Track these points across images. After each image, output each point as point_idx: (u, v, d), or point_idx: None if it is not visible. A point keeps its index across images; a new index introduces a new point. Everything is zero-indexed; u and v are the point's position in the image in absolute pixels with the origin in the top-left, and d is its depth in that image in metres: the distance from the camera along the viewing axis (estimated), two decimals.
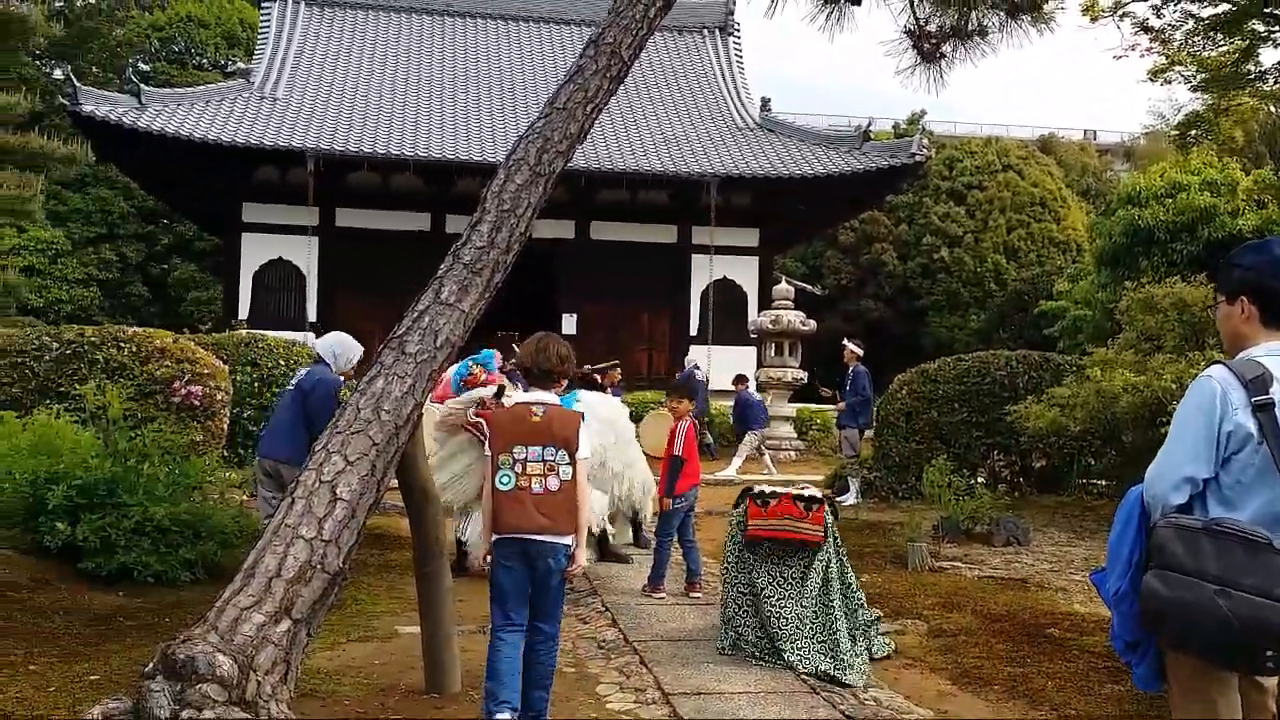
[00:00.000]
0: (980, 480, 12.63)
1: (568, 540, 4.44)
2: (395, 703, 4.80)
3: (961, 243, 36.00)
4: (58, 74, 37.41)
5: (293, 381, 7.01)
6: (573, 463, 4.47)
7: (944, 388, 13.32)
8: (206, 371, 11.23)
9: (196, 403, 11.04)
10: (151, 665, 3.60)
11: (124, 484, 6.91)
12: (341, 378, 7.07)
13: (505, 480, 4.40)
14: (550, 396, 4.62)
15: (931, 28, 5.16)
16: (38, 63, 38.53)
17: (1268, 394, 2.79)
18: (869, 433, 14.22)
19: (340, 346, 7.10)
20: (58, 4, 41.22)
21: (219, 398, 11.23)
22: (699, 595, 7.39)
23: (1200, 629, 2.72)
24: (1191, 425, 2.89)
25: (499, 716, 4.32)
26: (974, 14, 4.87)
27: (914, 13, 4.94)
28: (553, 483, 4.42)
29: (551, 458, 4.44)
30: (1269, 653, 2.65)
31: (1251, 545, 2.70)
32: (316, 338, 7.49)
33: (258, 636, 3.79)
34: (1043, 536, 10.56)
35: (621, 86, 22.50)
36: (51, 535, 6.67)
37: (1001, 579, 8.53)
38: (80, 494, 6.75)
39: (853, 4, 4.77)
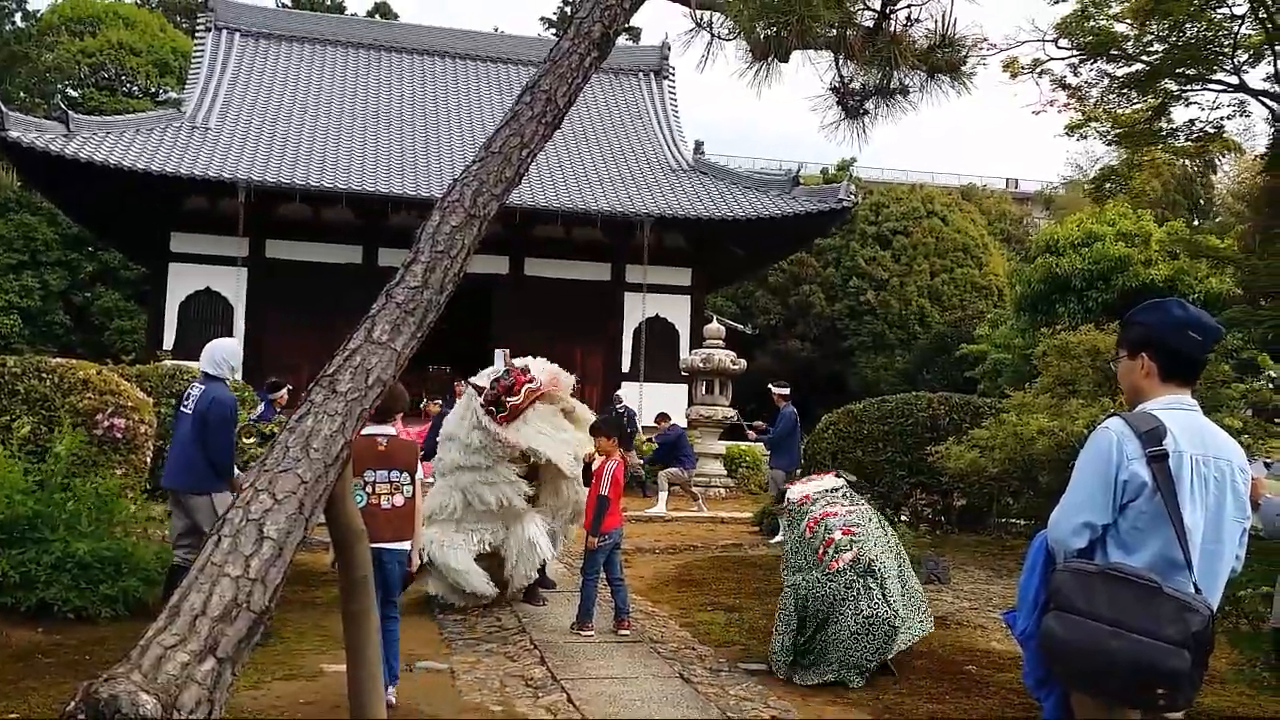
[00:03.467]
0: (904, 519, 12.87)
1: (406, 545, 5.62)
2: None
3: (887, 286, 36.74)
4: None
5: (186, 405, 6.63)
6: (413, 483, 5.63)
7: (869, 427, 13.60)
8: (130, 404, 11.02)
9: (119, 435, 10.83)
10: (74, 704, 3.56)
11: (46, 519, 6.79)
12: (235, 396, 6.87)
13: (360, 498, 5.36)
14: (387, 429, 5.69)
15: (856, 85, 5.35)
16: None
17: (1161, 446, 2.96)
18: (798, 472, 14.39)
19: (232, 356, 6.74)
20: None
21: (142, 430, 11.02)
22: (627, 633, 7.36)
23: (1094, 668, 2.87)
24: (1089, 474, 3.05)
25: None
26: (896, 74, 5.07)
27: (839, 71, 5.14)
28: (397, 500, 5.54)
29: (395, 478, 5.54)
30: (1160, 690, 2.81)
31: (1143, 589, 2.86)
32: (237, 368, 7.09)
33: (182, 675, 3.76)
34: (963, 574, 10.79)
35: (559, 125, 22.29)
36: None
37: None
38: (0, 529, 6.62)
39: (781, 61, 4.95)
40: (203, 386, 6.69)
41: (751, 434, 16.69)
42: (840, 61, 5.11)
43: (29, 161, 22.05)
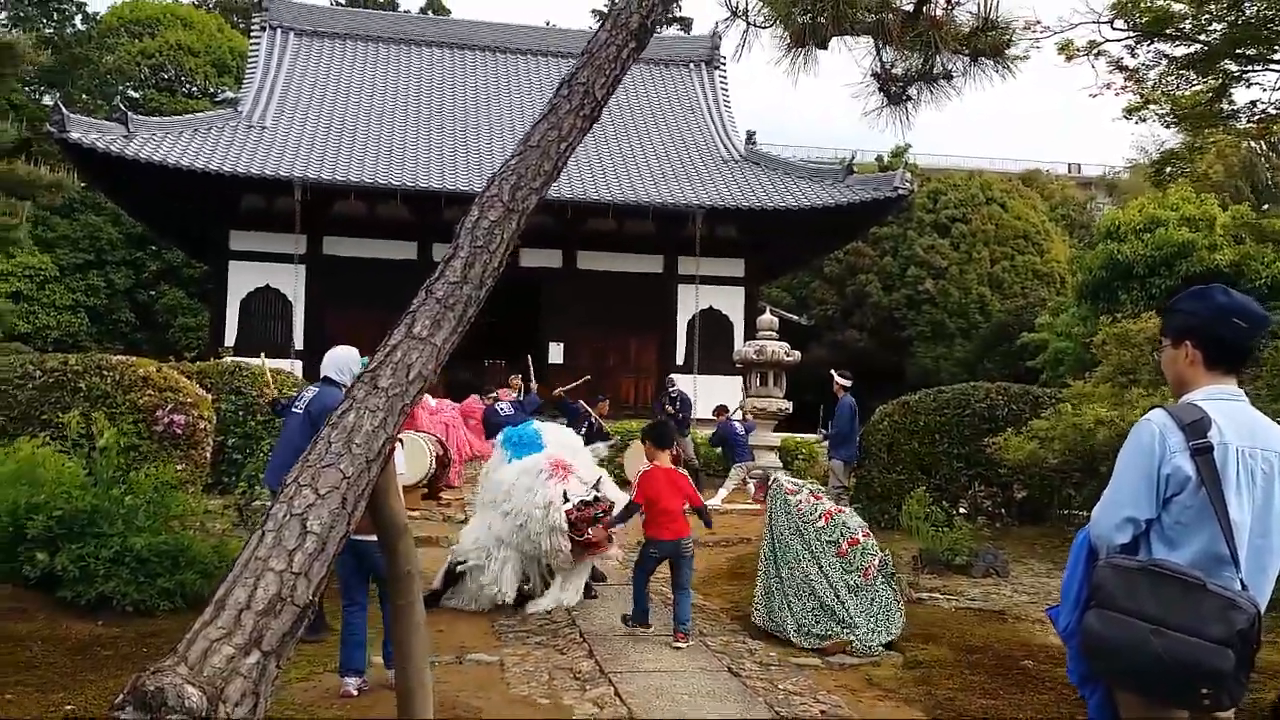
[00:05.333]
0: (962, 511, 12.69)
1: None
2: None
3: (946, 274, 36.25)
4: (48, 101, 37.48)
5: (297, 405, 6.74)
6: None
7: (925, 419, 13.42)
8: (189, 400, 11.26)
9: (179, 431, 11.07)
10: (121, 696, 3.62)
11: (104, 514, 6.93)
12: None
13: None
14: None
15: (898, 71, 5.26)
16: (27, 89, 38.62)
17: (1205, 438, 2.87)
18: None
19: (354, 363, 6.83)
20: (47, 31, 41.39)
21: (202, 427, 11.26)
22: (682, 645, 6.84)
23: (1136, 666, 2.79)
24: (1132, 468, 2.97)
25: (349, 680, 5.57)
26: (938, 59, 4.98)
27: (879, 57, 5.05)
28: None
29: None
30: (1204, 690, 2.72)
31: (1186, 586, 2.77)
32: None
33: (227, 668, 3.82)
34: (1022, 568, 10.62)
35: (610, 117, 22.86)
36: (31, 565, 6.69)
37: (979, 610, 8.57)
38: (60, 524, 6.77)
39: (819, 48, 4.88)
40: (317, 389, 6.80)
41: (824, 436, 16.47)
42: (880, 47, 5.03)
43: (90, 162, 22.53)
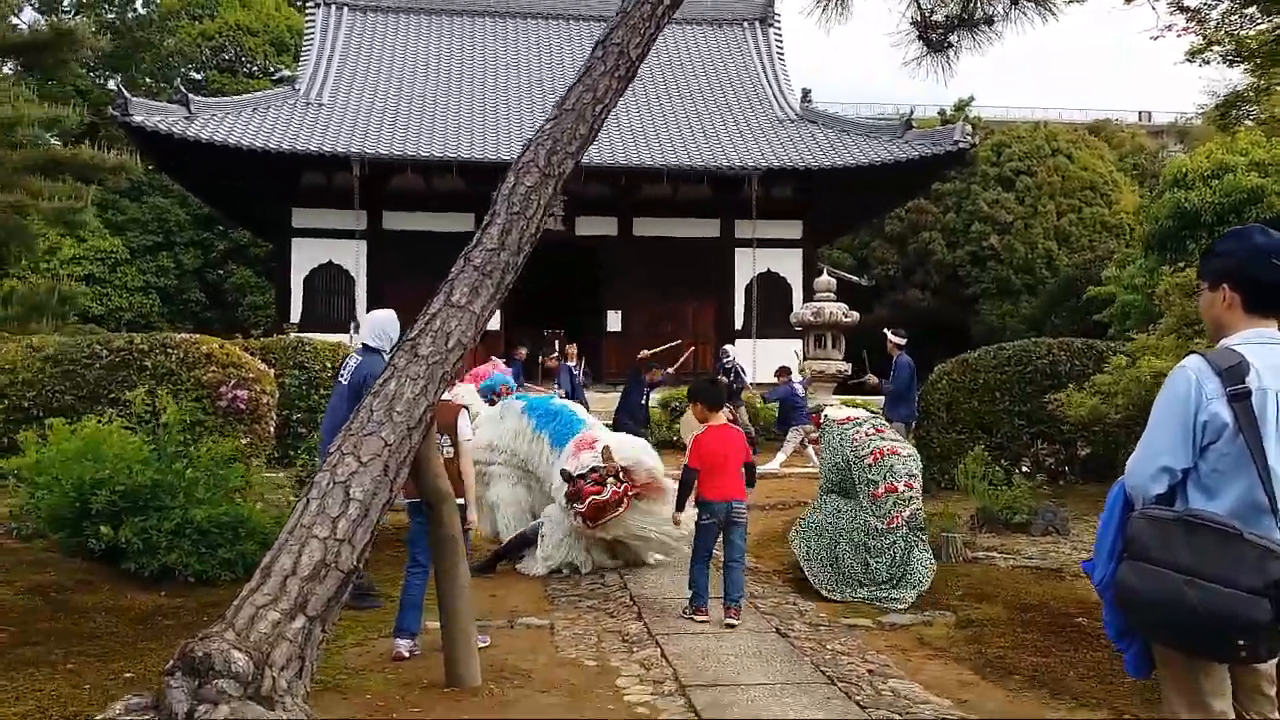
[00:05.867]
0: (1024, 470, 12.50)
1: (459, 501, 5.62)
2: (415, 696, 4.93)
3: (1011, 229, 35.52)
4: (112, 86, 38.24)
5: (342, 375, 6.72)
6: (454, 444, 5.97)
7: (985, 376, 13.22)
8: (252, 376, 11.48)
9: (243, 406, 11.30)
10: (171, 662, 3.74)
11: (166, 488, 7.10)
12: None
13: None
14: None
15: (937, 18, 5.15)
16: (92, 75, 39.44)
17: (1243, 383, 2.78)
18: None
19: (391, 326, 6.76)
20: (109, 16, 42.12)
21: (264, 401, 11.48)
22: (734, 622, 6.50)
23: (1170, 618, 2.73)
24: (1167, 416, 2.90)
25: (400, 642, 5.66)
26: (978, 3, 4.85)
27: (918, 4, 4.94)
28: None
29: (436, 440, 5.62)
30: (1240, 642, 2.66)
31: (1222, 535, 2.70)
32: (394, 337, 7.03)
33: (273, 633, 3.92)
34: (1084, 525, 10.44)
35: (662, 80, 22.66)
36: (96, 538, 6.89)
37: (1036, 569, 8.46)
38: (123, 498, 6.95)
39: None
40: (360, 358, 6.74)
41: (872, 381, 16.27)
42: None
43: (153, 144, 22.99)
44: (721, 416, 7.10)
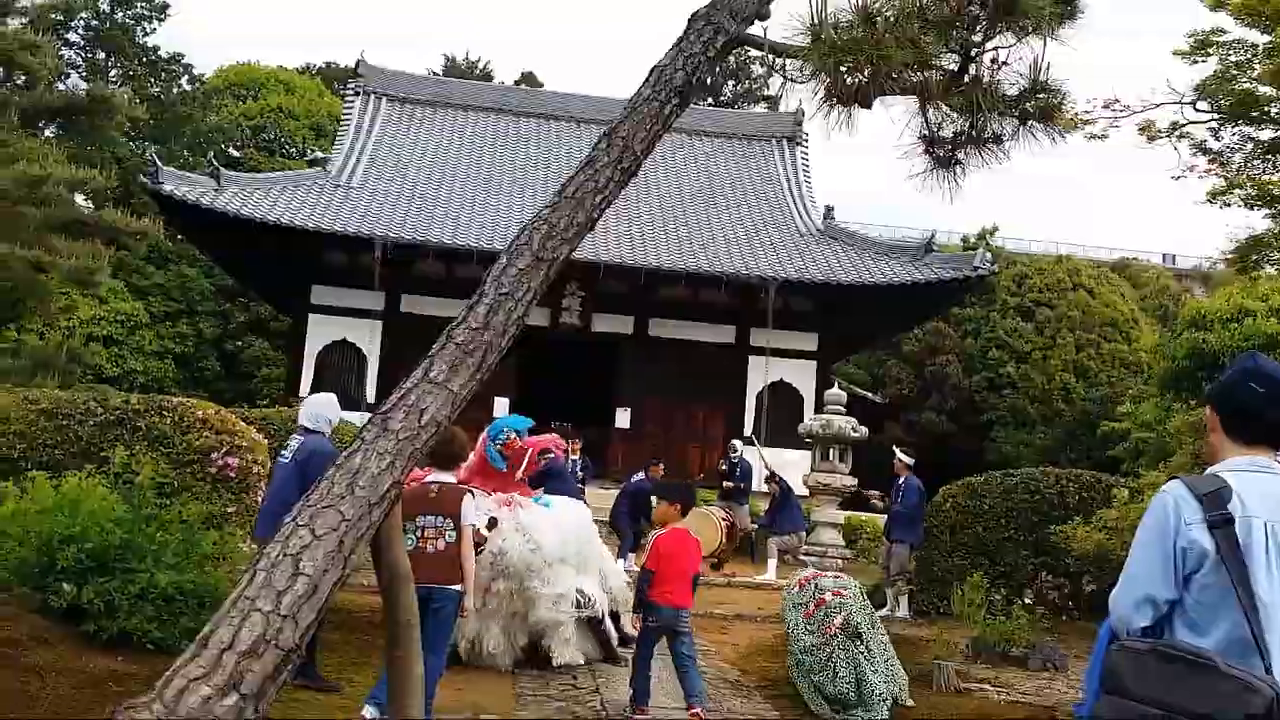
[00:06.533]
0: (1027, 601, 12.17)
1: (455, 588, 5.86)
2: None
3: (1029, 359, 35.44)
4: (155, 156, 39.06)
5: (285, 454, 6.86)
6: (457, 529, 5.92)
7: (990, 502, 13.01)
8: (245, 444, 11.36)
9: (233, 474, 11.16)
10: None
11: (135, 549, 6.94)
12: (334, 447, 6.98)
13: (409, 542, 5.61)
14: (447, 476, 6.09)
15: (945, 133, 5.11)
16: (132, 143, 40.33)
17: (1224, 509, 2.64)
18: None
19: (331, 409, 6.98)
20: (153, 90, 43.26)
21: (255, 471, 11.33)
22: (703, 716, 6.54)
23: None
24: (1147, 543, 2.77)
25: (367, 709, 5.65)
26: (985, 121, 4.81)
27: (925, 118, 4.90)
28: (440, 544, 5.86)
29: (437, 524, 5.88)
30: None
31: (1198, 667, 2.54)
32: (334, 421, 7.15)
33: (202, 710, 3.72)
34: (1084, 663, 10.09)
35: (689, 187, 23.02)
36: (58, 596, 6.70)
37: (1029, 705, 8.16)
38: (90, 556, 6.78)
39: (862, 107, 4.75)
40: (302, 439, 6.82)
41: (876, 501, 16.06)
42: (925, 108, 4.88)
43: (181, 214, 23.34)
44: (680, 519, 7.09)
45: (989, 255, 26.20)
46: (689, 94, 5.46)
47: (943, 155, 5.23)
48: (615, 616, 8.55)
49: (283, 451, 6.93)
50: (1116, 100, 11.14)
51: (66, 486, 7.81)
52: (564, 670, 7.68)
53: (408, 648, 4.73)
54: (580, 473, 16.34)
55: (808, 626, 7.56)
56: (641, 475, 16.10)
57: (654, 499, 7.78)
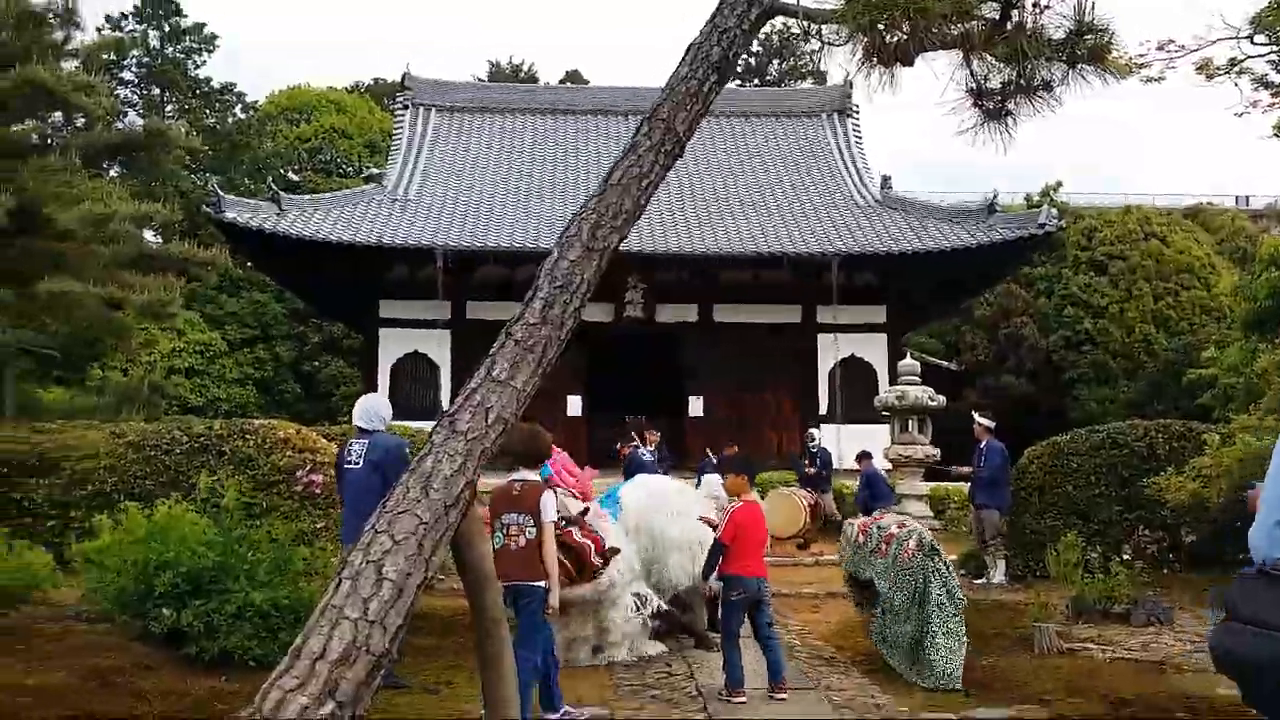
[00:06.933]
0: (1125, 557, 11.91)
1: (539, 584, 5.94)
2: None
3: (1106, 313, 34.60)
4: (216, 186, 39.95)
5: (351, 459, 6.85)
6: (538, 525, 5.96)
7: (1078, 460, 12.75)
8: (326, 461, 11.54)
9: (317, 491, 11.36)
10: None
11: (228, 570, 7.10)
12: (402, 437, 7.05)
13: (497, 542, 5.89)
14: (531, 474, 6.18)
15: (993, 84, 4.99)
16: (193, 176, 41.30)
17: None
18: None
19: (384, 408, 7.02)
20: (209, 121, 44.22)
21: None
22: (784, 696, 6.63)
23: (1243, 673, 2.58)
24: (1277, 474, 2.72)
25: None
26: (1033, 68, 4.69)
27: (970, 70, 4.79)
28: (521, 541, 5.95)
29: (520, 521, 5.98)
30: None
31: None
32: (387, 419, 7.18)
33: (300, 719, 3.78)
34: (1189, 615, 9.85)
35: (742, 170, 22.88)
36: (158, 621, 6.89)
37: (1136, 661, 8.00)
38: (186, 580, 6.96)
39: (904, 65, 4.66)
40: (364, 441, 6.86)
41: (955, 472, 15.84)
42: (969, 60, 4.77)
43: (246, 240, 23.87)
44: (753, 492, 7.29)
45: (1054, 211, 25.67)
46: (727, 70, 5.41)
47: (992, 107, 5.12)
48: (680, 602, 8.53)
49: (347, 457, 6.96)
50: (1171, 41, 10.76)
51: (158, 515, 8.01)
52: (659, 659, 7.70)
53: (497, 645, 4.77)
54: (659, 465, 16.35)
55: (885, 564, 7.74)
56: (714, 460, 16.07)
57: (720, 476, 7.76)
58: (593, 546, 7.14)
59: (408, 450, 6.92)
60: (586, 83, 50.69)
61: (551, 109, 31.76)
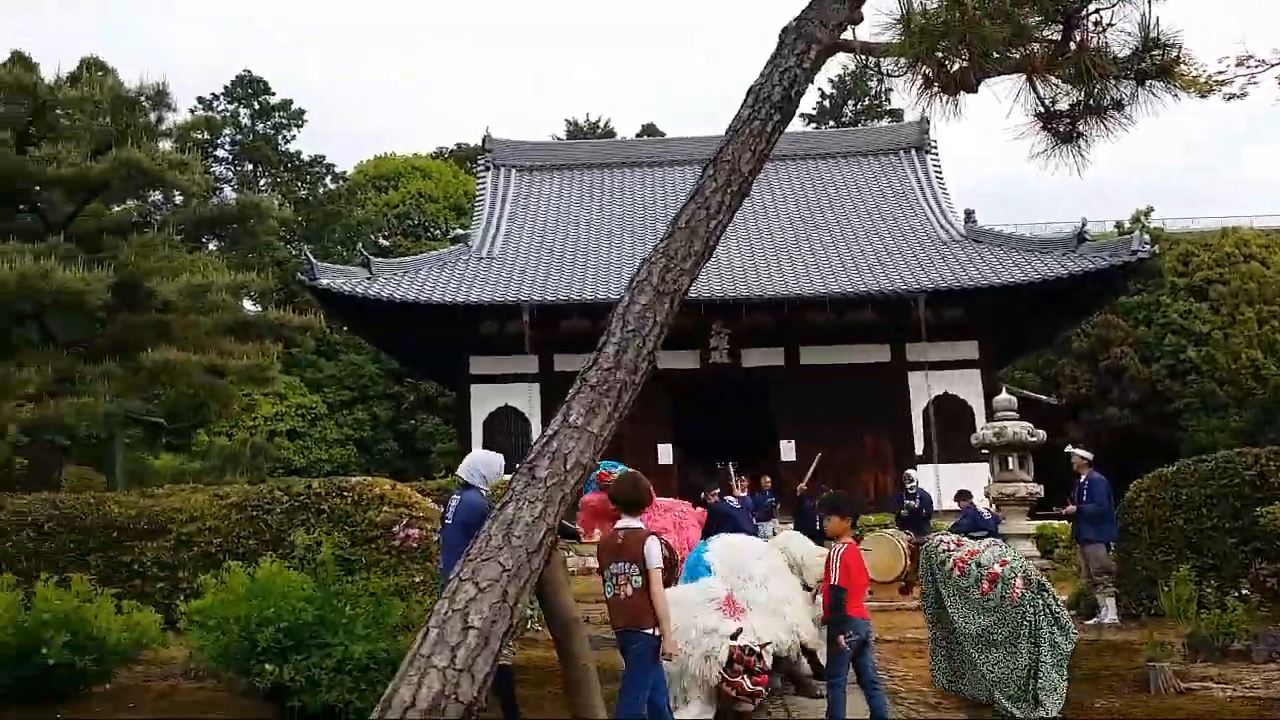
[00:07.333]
0: (1243, 591, 11.40)
1: (648, 631, 5.79)
2: None
3: (1209, 340, 33.50)
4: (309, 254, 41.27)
5: (448, 516, 6.98)
6: (643, 573, 5.88)
7: (1187, 492, 12.27)
8: (422, 515, 11.72)
9: (414, 545, 11.53)
10: None
11: (328, 624, 7.23)
12: (485, 501, 7.11)
13: (608, 591, 5.96)
14: (635, 522, 6.14)
15: (1061, 106, 4.94)
16: (289, 245, 42.76)
17: None
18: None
19: (485, 466, 7.06)
20: (301, 193, 45.81)
21: (435, 539, 11.67)
22: None
23: None
24: None
25: None
26: (1100, 87, 4.64)
27: (1036, 93, 4.76)
28: (628, 590, 5.87)
29: (625, 570, 5.91)
30: None
31: None
32: (489, 478, 7.27)
33: None
34: None
35: (822, 211, 22.78)
36: (261, 676, 7.02)
37: (1259, 699, 7.62)
38: (287, 635, 7.10)
39: (968, 92, 4.65)
40: (459, 496, 7.01)
41: (1065, 512, 15.22)
42: (1034, 82, 4.74)
43: (339, 305, 24.58)
44: (866, 544, 7.17)
45: (1147, 238, 24.98)
46: (790, 108, 5.46)
47: (1062, 130, 5.07)
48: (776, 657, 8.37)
49: (445, 513, 7.12)
50: (1250, 56, 10.48)
51: (259, 573, 8.21)
52: (759, 707, 7.57)
53: (587, 691, 4.79)
54: (754, 511, 16.23)
55: (986, 604, 7.55)
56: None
57: (820, 516, 7.57)
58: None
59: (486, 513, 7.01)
60: (662, 135, 51.28)
61: (627, 162, 32.18)
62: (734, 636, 7.14)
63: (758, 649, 7.17)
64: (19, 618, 6.94)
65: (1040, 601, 7.45)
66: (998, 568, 7.63)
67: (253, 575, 8.16)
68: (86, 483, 23.50)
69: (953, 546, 8.01)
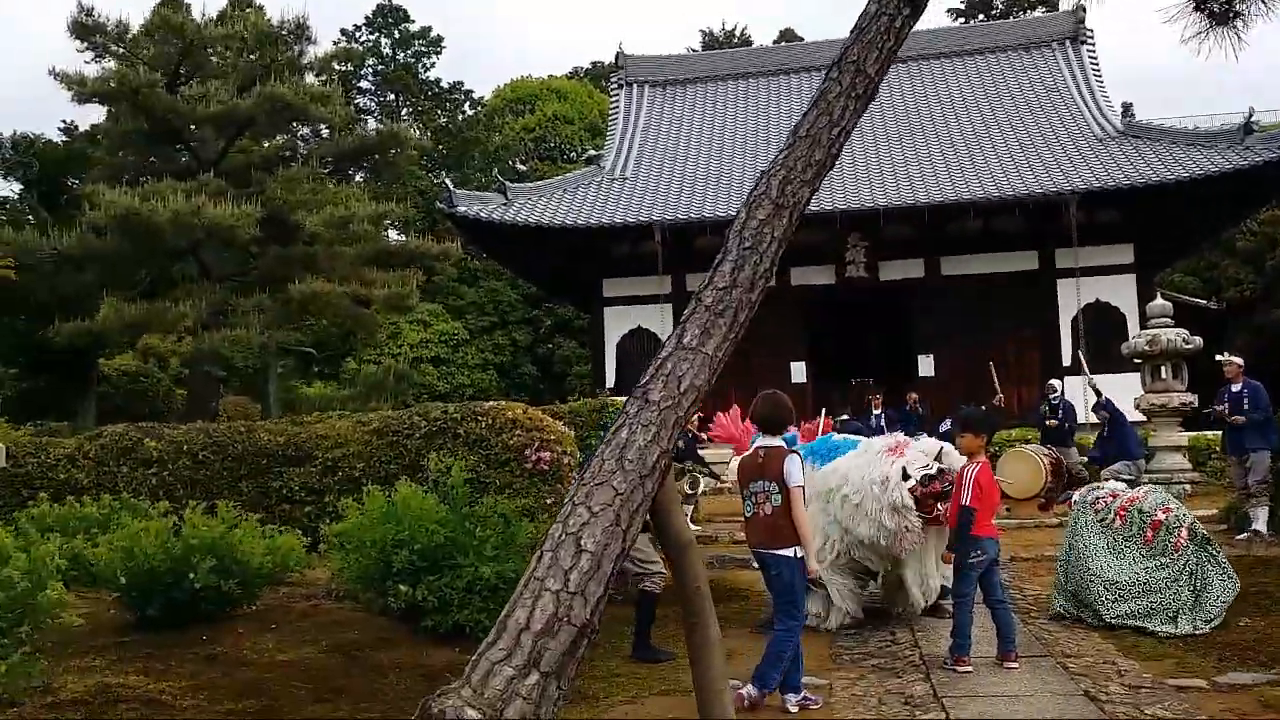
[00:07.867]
0: None
1: (787, 552, 5.79)
2: None
3: None
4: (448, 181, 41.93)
5: None
6: (783, 490, 5.82)
7: None
8: (553, 438, 11.85)
9: (546, 467, 11.69)
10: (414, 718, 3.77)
11: (458, 546, 7.37)
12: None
13: (747, 510, 6.05)
14: (774, 440, 6.02)
15: None
16: (430, 174, 43.48)
17: None
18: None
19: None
20: (441, 120, 46.29)
21: (565, 461, 11.81)
22: (1015, 666, 6.22)
23: None
24: None
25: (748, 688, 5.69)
26: None
27: None
28: (768, 509, 5.87)
29: (765, 488, 5.88)
30: None
31: None
32: None
33: (507, 690, 3.86)
34: None
35: (964, 111, 21.77)
36: (395, 597, 7.23)
37: None
38: (420, 557, 7.28)
39: None
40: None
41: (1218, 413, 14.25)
42: None
43: (477, 231, 24.87)
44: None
45: None
46: (920, 3, 5.09)
47: (1218, 10, 4.59)
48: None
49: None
50: None
51: (396, 496, 8.42)
52: (883, 626, 7.47)
53: (701, 614, 4.71)
54: (885, 427, 15.84)
55: (1149, 553, 7.46)
56: (949, 423, 15.35)
57: (956, 434, 7.25)
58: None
59: None
60: (801, 39, 49.75)
61: (761, 71, 31.31)
62: (905, 475, 7.16)
63: (932, 470, 7.19)
64: (169, 544, 7.27)
65: (1205, 554, 7.53)
66: (1160, 515, 7.58)
67: (390, 499, 8.38)
68: (243, 411, 24.72)
69: (1110, 499, 7.93)
